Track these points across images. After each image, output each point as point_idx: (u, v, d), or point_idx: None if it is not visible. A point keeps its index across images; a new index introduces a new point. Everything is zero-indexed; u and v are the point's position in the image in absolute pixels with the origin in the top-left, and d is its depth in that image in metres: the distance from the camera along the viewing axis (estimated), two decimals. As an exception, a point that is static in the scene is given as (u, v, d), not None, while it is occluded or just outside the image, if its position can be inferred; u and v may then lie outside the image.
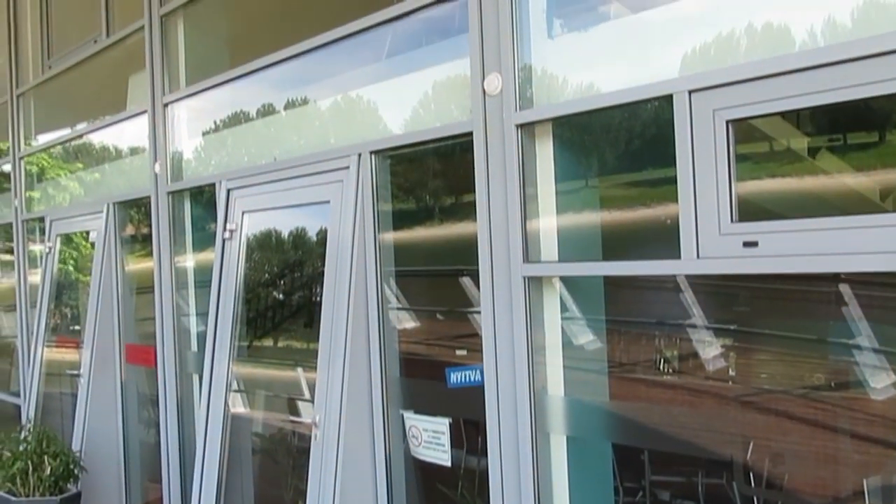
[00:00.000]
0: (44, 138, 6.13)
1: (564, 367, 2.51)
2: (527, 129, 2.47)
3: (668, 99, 2.07)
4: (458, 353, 2.88)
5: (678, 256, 2.06)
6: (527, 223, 2.47)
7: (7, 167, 6.54)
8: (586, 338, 2.57)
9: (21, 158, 6.18)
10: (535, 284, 2.48)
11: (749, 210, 1.98)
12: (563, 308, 2.53)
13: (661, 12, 2.22)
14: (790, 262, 1.87)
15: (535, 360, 2.46)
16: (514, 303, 2.47)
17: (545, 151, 2.49)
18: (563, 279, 2.51)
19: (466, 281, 2.86)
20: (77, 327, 5.41)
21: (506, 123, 2.48)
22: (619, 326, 2.61)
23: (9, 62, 6.21)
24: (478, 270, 2.60)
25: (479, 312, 2.63)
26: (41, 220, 5.86)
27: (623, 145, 2.46)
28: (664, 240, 2.18)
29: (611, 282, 2.49)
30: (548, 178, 2.50)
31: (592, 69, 2.37)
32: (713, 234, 1.99)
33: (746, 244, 1.93)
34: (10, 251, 6.54)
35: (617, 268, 2.33)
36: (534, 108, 2.46)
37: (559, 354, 2.51)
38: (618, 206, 2.55)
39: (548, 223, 2.50)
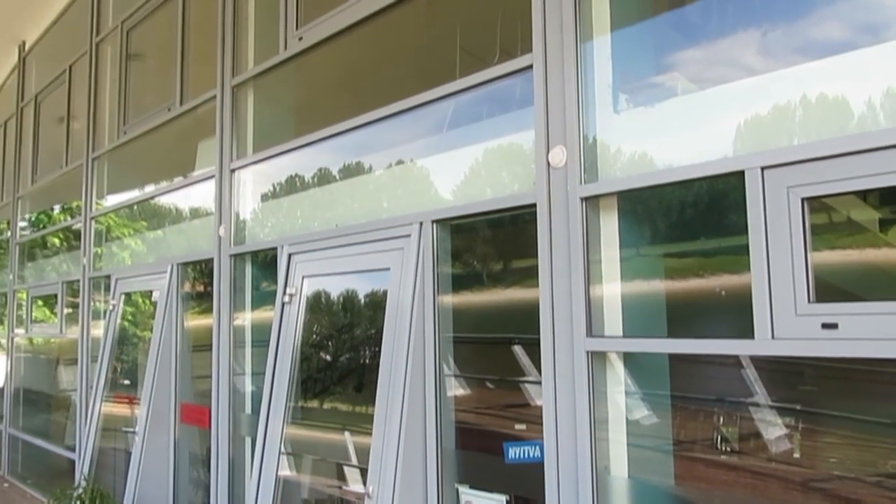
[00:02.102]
0: (113, 199, 6.39)
1: (628, 445, 2.42)
2: (591, 201, 2.47)
3: (740, 175, 2.04)
4: (518, 427, 2.81)
5: (751, 336, 2.00)
6: (590, 296, 2.44)
7: (76, 225, 6.82)
8: (650, 414, 2.49)
9: (92, 218, 6.43)
10: (598, 359, 2.43)
11: (818, 286, 1.92)
12: (627, 382, 2.46)
13: (728, 88, 2.22)
14: (873, 346, 1.79)
15: (598, 436, 2.39)
16: (576, 378, 2.42)
17: (610, 224, 2.47)
18: (627, 352, 2.45)
19: (518, 349, 2.82)
20: (127, 382, 5.50)
21: (570, 196, 2.48)
22: (682, 402, 2.52)
23: (87, 128, 6.54)
24: (530, 339, 2.56)
25: (530, 382, 2.58)
26: (106, 277, 6.06)
27: (690, 218, 2.42)
28: (733, 315, 2.12)
29: (672, 355, 2.42)
30: (612, 250, 2.47)
31: (659, 143, 2.37)
32: (789, 315, 1.92)
33: (825, 326, 1.86)
34: (74, 306, 6.74)
35: (685, 346, 2.25)
36: (599, 182, 2.46)
37: (622, 431, 2.44)
38: (684, 279, 2.50)
39: (612, 296, 2.46)
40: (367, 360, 3.41)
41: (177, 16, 5.19)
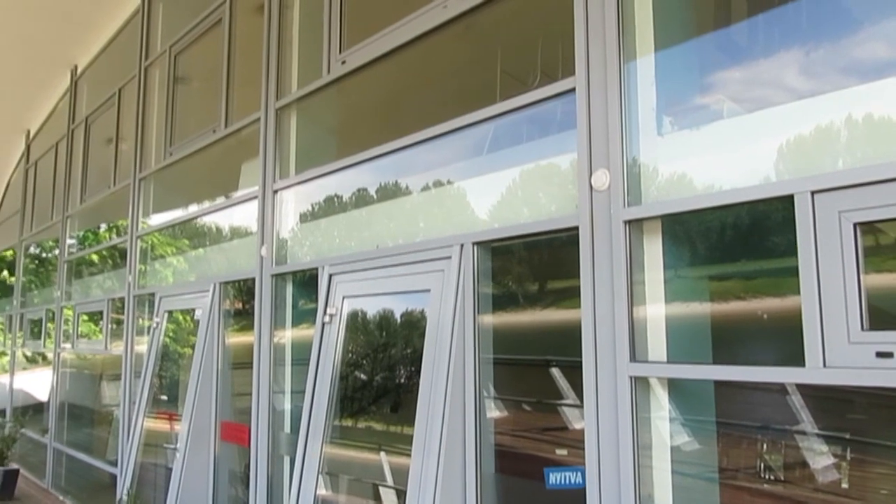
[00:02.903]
0: (158, 218, 6.53)
1: (672, 473, 2.37)
2: (635, 224, 2.44)
3: (789, 199, 2.01)
4: (559, 452, 2.78)
5: (802, 363, 1.95)
6: (633, 320, 2.40)
7: (122, 244, 6.99)
8: (692, 440, 2.43)
9: (138, 237, 6.58)
10: (641, 383, 2.39)
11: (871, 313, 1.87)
12: (670, 407, 2.42)
13: (774, 111, 2.19)
14: (932, 376, 1.73)
15: (641, 463, 2.35)
16: (619, 403, 2.38)
17: (653, 248, 2.44)
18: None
19: (556, 372, 2.79)
20: (164, 397, 5.58)
21: (613, 219, 2.46)
22: (726, 429, 2.46)
23: (135, 149, 6.72)
24: (570, 362, 2.54)
25: (568, 405, 2.54)
26: (150, 294, 6.17)
27: (735, 241, 2.38)
28: (781, 341, 2.07)
29: (717, 380, 2.37)
30: (655, 274, 2.44)
31: (703, 166, 2.34)
32: (842, 343, 1.87)
33: (880, 354, 1.80)
34: (118, 322, 6.88)
35: (733, 373, 2.20)
36: (642, 205, 2.43)
37: (666, 459, 2.39)
38: (729, 303, 2.46)
39: (655, 321, 2.42)
40: (405, 381, 3.41)
41: (223, 40, 5.32)
